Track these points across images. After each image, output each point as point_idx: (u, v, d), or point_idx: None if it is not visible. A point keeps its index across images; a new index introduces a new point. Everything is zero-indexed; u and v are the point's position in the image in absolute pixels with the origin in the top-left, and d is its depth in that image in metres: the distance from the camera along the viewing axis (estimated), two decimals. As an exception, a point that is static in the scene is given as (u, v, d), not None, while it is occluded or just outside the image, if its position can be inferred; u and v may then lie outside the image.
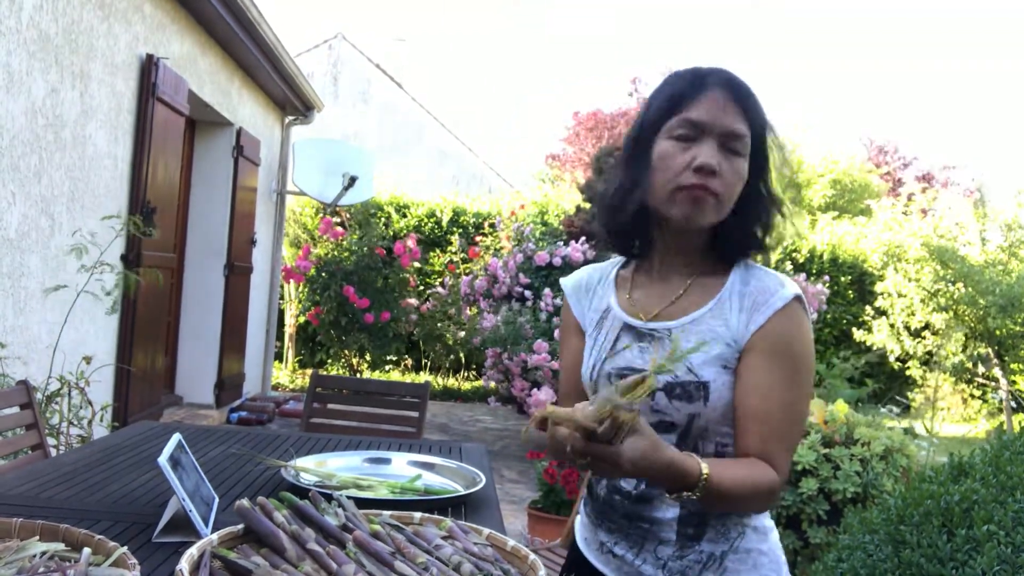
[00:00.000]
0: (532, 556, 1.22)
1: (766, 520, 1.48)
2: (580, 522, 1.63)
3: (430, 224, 11.82)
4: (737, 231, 1.46)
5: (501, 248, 8.74)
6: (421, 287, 10.89)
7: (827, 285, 7.66)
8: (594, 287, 1.63)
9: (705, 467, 1.24)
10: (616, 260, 1.65)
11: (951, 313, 10.28)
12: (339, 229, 10.08)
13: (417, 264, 10.25)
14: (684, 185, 1.39)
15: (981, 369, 10.55)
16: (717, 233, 1.47)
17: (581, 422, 1.13)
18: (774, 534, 1.50)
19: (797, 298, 1.42)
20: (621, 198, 1.51)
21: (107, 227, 4.67)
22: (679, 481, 1.22)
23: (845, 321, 11.82)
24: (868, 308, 11.53)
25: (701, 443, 1.43)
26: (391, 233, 10.73)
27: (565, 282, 1.70)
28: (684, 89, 1.43)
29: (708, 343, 1.41)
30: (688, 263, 1.50)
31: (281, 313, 10.56)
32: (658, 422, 1.43)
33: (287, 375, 10.80)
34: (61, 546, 1.19)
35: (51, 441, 3.52)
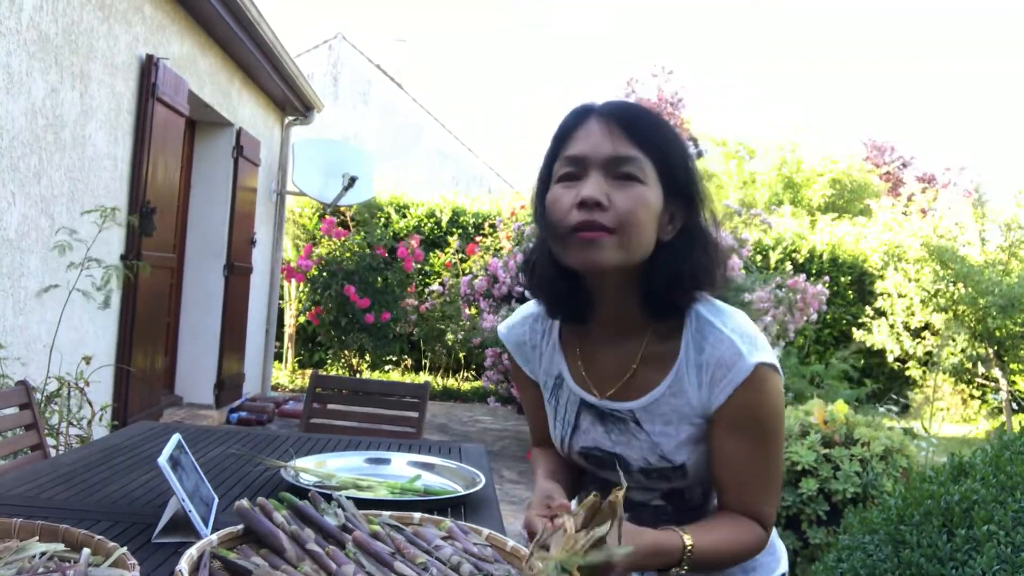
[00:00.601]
0: (532, 556, 1.22)
1: (767, 556, 1.49)
2: None
3: (430, 224, 11.83)
4: (666, 274, 1.32)
5: (501, 248, 8.74)
6: (420, 287, 10.89)
7: (827, 285, 7.65)
8: (538, 344, 1.53)
9: (688, 539, 1.23)
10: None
11: (951, 313, 10.29)
12: (341, 229, 10.08)
13: (417, 264, 10.25)
14: (572, 225, 1.27)
15: (981, 369, 10.55)
16: (647, 281, 1.33)
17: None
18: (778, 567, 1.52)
19: (760, 366, 1.29)
20: (539, 263, 1.41)
21: (93, 223, 4.63)
22: (664, 559, 1.21)
23: (845, 321, 11.83)
24: (868, 308, 11.53)
25: (688, 495, 1.44)
26: (391, 233, 10.73)
27: (504, 335, 1.58)
28: (564, 126, 1.35)
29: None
30: (633, 320, 1.38)
31: (281, 313, 10.56)
32: (641, 488, 1.45)
33: (287, 375, 10.80)
34: (61, 546, 1.19)
35: (51, 441, 3.52)
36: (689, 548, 1.22)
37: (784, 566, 1.52)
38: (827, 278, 9.35)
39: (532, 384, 1.58)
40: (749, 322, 1.37)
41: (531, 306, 1.56)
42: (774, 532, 1.50)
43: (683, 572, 1.23)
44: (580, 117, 1.33)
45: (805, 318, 7.16)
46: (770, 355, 1.32)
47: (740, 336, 1.32)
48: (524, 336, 1.55)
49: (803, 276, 7.33)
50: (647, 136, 1.29)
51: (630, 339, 1.40)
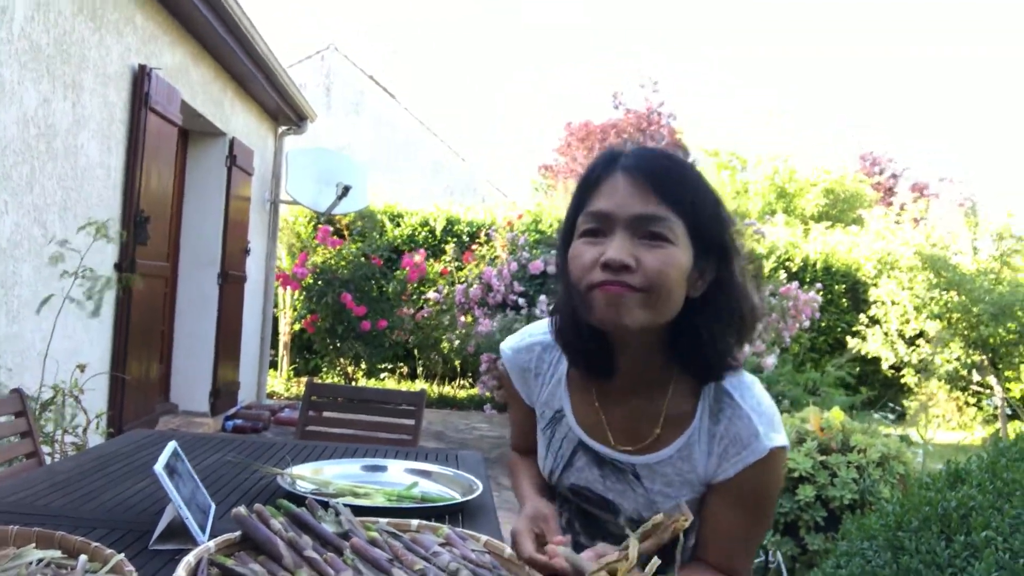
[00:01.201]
0: (531, 562, 1.21)
1: None
2: None
3: (424, 233, 11.83)
4: (696, 334, 1.28)
5: (496, 257, 8.75)
6: (416, 296, 10.89)
7: (820, 293, 7.68)
8: (543, 375, 1.49)
9: None
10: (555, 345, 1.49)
11: (945, 321, 10.32)
12: (336, 238, 10.08)
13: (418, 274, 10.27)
14: (594, 283, 1.22)
15: (976, 376, 10.58)
16: (676, 340, 1.30)
17: None
18: None
19: (773, 451, 1.27)
20: (562, 316, 1.37)
21: (87, 234, 4.63)
22: None
23: (839, 329, 11.85)
24: (862, 316, 11.56)
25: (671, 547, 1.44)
26: (384, 242, 10.73)
27: (507, 354, 1.54)
28: (589, 176, 1.30)
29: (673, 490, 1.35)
30: (655, 376, 1.35)
31: (276, 321, 10.54)
32: (622, 537, 1.44)
33: (282, 383, 10.78)
34: (57, 553, 1.18)
35: (46, 449, 3.50)
36: None
37: None
38: (819, 285, 9.39)
39: (525, 407, 1.55)
40: (767, 397, 1.34)
41: (540, 332, 1.51)
42: None
43: None
44: (606, 168, 1.28)
45: (798, 325, 7.18)
46: (784, 437, 1.30)
47: (759, 415, 1.30)
48: (529, 364, 1.51)
49: (796, 284, 7.36)
50: (677, 193, 1.24)
51: (649, 394, 1.36)
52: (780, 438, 1.29)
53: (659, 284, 1.21)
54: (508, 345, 1.55)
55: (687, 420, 1.33)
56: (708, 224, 1.26)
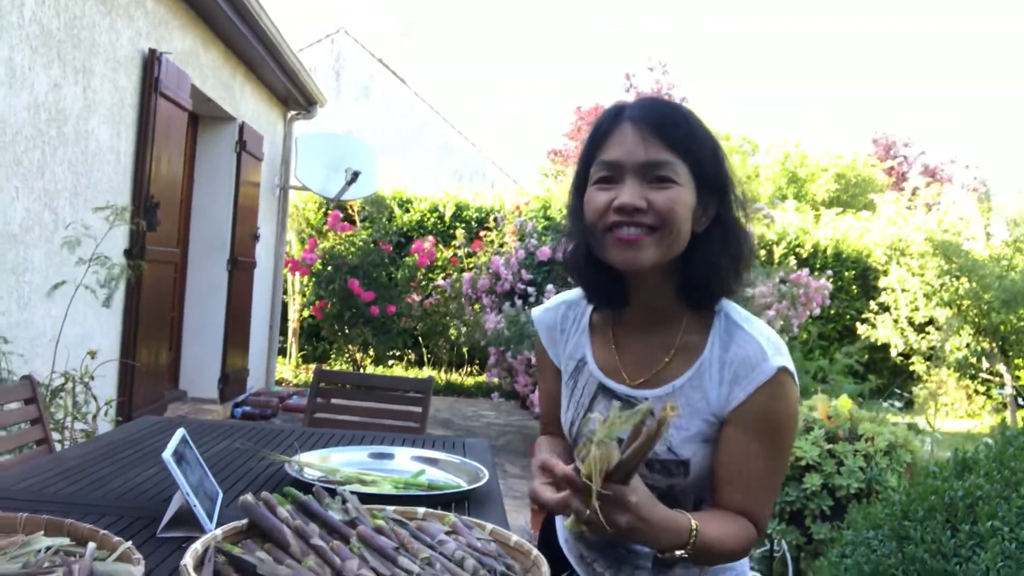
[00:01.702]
0: (535, 551, 1.22)
1: None
2: (560, 524, 1.64)
3: (433, 219, 11.83)
4: (703, 264, 1.38)
5: (504, 244, 8.75)
6: (424, 282, 10.90)
7: (830, 279, 7.64)
8: (568, 329, 1.58)
9: (695, 523, 1.25)
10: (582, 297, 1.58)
11: (955, 308, 10.27)
12: (346, 224, 10.08)
13: (428, 260, 10.28)
14: (610, 225, 1.34)
15: (985, 364, 10.54)
16: (684, 272, 1.39)
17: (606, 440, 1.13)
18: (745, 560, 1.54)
19: (782, 370, 1.34)
20: (576, 255, 1.48)
21: (103, 220, 4.66)
22: (673, 537, 1.23)
23: (849, 316, 11.81)
24: (872, 303, 11.52)
25: (681, 500, 1.44)
26: (394, 228, 10.73)
27: (537, 317, 1.64)
28: (598, 129, 1.40)
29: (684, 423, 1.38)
30: (668, 310, 1.44)
31: (285, 308, 10.56)
32: None
33: (291, 370, 10.81)
34: (66, 541, 1.19)
35: (55, 436, 3.52)
36: (695, 531, 1.24)
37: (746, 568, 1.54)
38: (830, 272, 9.35)
39: (554, 371, 1.61)
40: (773, 331, 1.42)
41: (569, 294, 1.62)
42: (746, 565, 1.54)
43: (686, 556, 1.24)
44: (614, 121, 1.38)
45: (808, 312, 7.15)
46: (791, 363, 1.37)
47: (766, 340, 1.37)
48: (556, 321, 1.60)
49: (806, 271, 7.32)
50: (679, 139, 1.34)
51: (663, 329, 1.44)
52: (787, 362, 1.36)
53: (669, 221, 1.32)
54: (538, 309, 1.66)
55: (698, 350, 1.41)
56: (708, 165, 1.37)
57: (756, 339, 1.37)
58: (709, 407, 1.37)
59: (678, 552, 1.24)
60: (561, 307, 1.61)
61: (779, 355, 1.35)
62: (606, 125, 1.39)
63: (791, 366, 1.36)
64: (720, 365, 1.37)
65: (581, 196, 1.42)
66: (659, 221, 1.32)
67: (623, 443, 1.16)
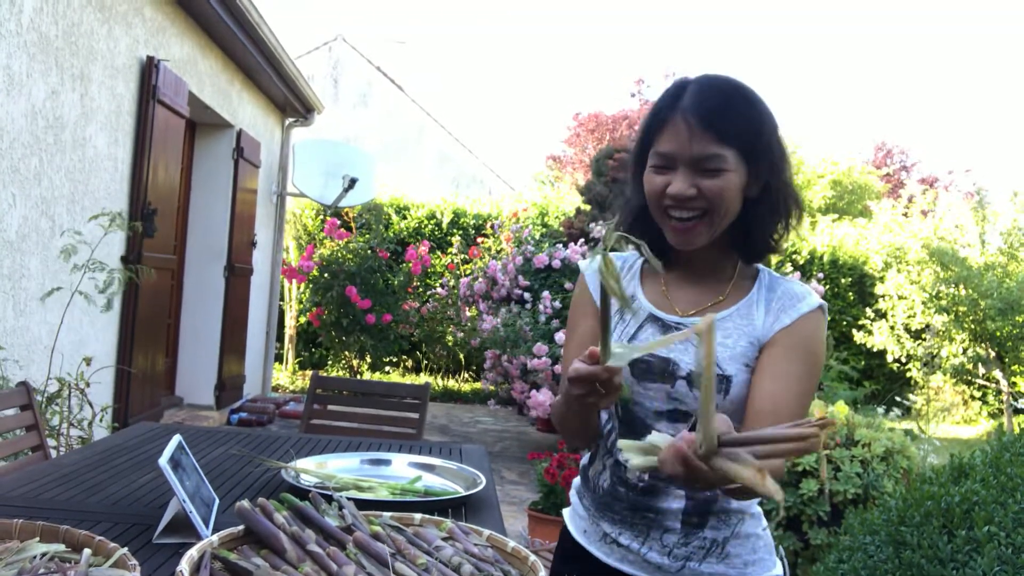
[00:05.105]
0: (532, 557, 1.22)
1: (758, 506, 1.54)
2: (574, 515, 1.63)
3: (430, 226, 11.84)
4: (754, 232, 1.49)
5: (501, 250, 8.75)
6: (421, 288, 10.90)
7: (823, 283, 7.64)
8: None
9: None
10: (635, 253, 1.65)
11: (952, 315, 10.28)
12: (343, 231, 10.09)
13: (422, 267, 10.27)
14: (665, 207, 1.45)
15: (982, 370, 10.55)
16: (736, 233, 1.50)
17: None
18: (764, 518, 1.56)
19: (821, 307, 1.48)
20: (634, 215, 1.57)
21: (99, 226, 4.66)
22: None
23: (845, 323, 11.82)
24: (868, 310, 11.53)
25: None
26: (391, 235, 10.74)
27: (585, 264, 1.69)
28: (656, 116, 1.47)
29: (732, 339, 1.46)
30: (715, 267, 1.54)
31: (281, 314, 10.56)
32: (672, 410, 1.47)
33: (287, 376, 10.80)
34: (62, 547, 1.19)
35: (51, 442, 3.52)
36: None
37: (779, 569, 1.52)
38: (821, 275, 9.36)
39: (593, 316, 1.60)
40: None
41: (618, 254, 1.71)
42: (766, 522, 1.54)
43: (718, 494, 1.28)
44: (671, 110, 1.44)
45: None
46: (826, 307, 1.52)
47: (808, 287, 1.52)
48: None
49: (798, 274, 7.32)
50: (729, 131, 1.41)
51: (714, 279, 1.54)
52: (824, 303, 1.51)
53: (718, 205, 1.42)
54: (585, 261, 1.70)
55: (747, 290, 1.53)
56: (759, 144, 1.45)
57: (800, 284, 1.52)
58: (755, 331, 1.47)
59: (708, 493, 1.28)
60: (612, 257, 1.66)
61: (818, 297, 1.49)
62: (663, 113, 1.45)
63: (826, 309, 1.51)
64: (767, 300, 1.49)
65: (641, 168, 1.50)
66: (709, 205, 1.42)
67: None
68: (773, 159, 1.47)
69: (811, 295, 1.49)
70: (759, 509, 1.53)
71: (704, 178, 1.41)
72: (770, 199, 1.48)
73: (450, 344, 10.52)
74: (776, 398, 1.39)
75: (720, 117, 1.41)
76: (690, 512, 1.46)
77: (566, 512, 1.68)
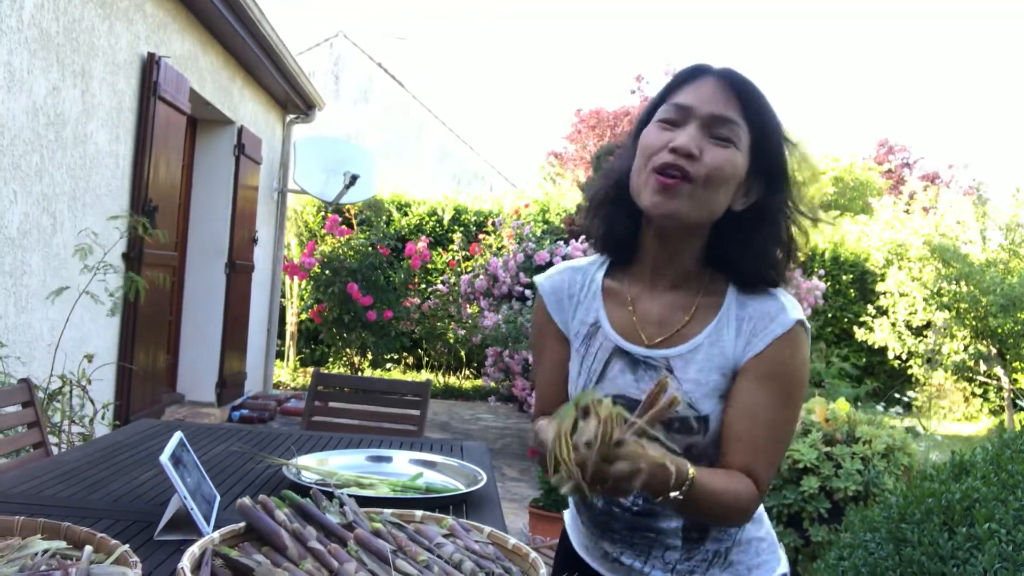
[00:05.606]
0: (533, 554, 1.22)
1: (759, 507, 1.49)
2: (575, 526, 1.60)
3: (431, 223, 11.83)
4: (732, 248, 1.40)
5: (503, 247, 8.74)
6: (423, 285, 10.90)
7: (824, 280, 7.63)
8: (576, 294, 1.54)
9: (692, 470, 1.22)
10: (595, 260, 1.56)
11: (953, 312, 10.27)
12: (344, 228, 10.08)
13: (422, 262, 10.27)
14: (656, 166, 1.33)
15: (983, 367, 10.54)
16: (711, 243, 1.41)
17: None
18: (766, 518, 1.53)
19: (800, 323, 1.37)
20: (605, 191, 1.48)
21: (110, 226, 4.67)
22: (667, 478, 1.18)
23: (846, 320, 11.81)
24: (869, 307, 11.52)
25: (699, 463, 1.43)
26: (392, 231, 10.73)
27: (541, 283, 1.59)
28: (680, 77, 1.40)
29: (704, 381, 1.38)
30: (683, 275, 1.44)
31: (283, 311, 10.56)
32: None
33: (288, 373, 10.80)
34: (63, 544, 1.19)
35: (53, 439, 3.52)
36: (691, 476, 1.20)
37: (785, 566, 1.52)
38: (822, 272, 9.34)
39: (559, 340, 1.55)
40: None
41: (575, 261, 1.60)
42: (768, 520, 1.52)
43: (680, 497, 1.20)
44: (696, 73, 1.38)
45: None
46: (806, 320, 1.39)
47: (784, 297, 1.41)
48: (563, 284, 1.56)
49: (798, 271, 7.31)
50: (752, 105, 1.35)
51: (682, 290, 1.44)
52: (803, 316, 1.38)
53: (714, 178, 1.32)
54: (541, 275, 1.61)
55: (715, 308, 1.42)
56: (770, 142, 1.37)
57: (774, 295, 1.40)
58: (726, 361, 1.38)
59: (672, 494, 1.19)
60: (567, 271, 1.57)
61: (796, 309, 1.38)
62: (686, 74, 1.39)
63: (806, 322, 1.39)
64: (738, 320, 1.39)
65: (637, 138, 1.41)
66: (704, 174, 1.31)
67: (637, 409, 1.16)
68: (775, 176, 1.39)
69: (785, 312, 1.37)
70: (760, 511, 1.50)
71: (711, 145, 1.32)
72: (757, 219, 1.39)
73: (451, 341, 10.51)
74: (747, 440, 1.35)
75: (748, 91, 1.36)
76: (690, 528, 1.43)
77: (567, 514, 1.67)
